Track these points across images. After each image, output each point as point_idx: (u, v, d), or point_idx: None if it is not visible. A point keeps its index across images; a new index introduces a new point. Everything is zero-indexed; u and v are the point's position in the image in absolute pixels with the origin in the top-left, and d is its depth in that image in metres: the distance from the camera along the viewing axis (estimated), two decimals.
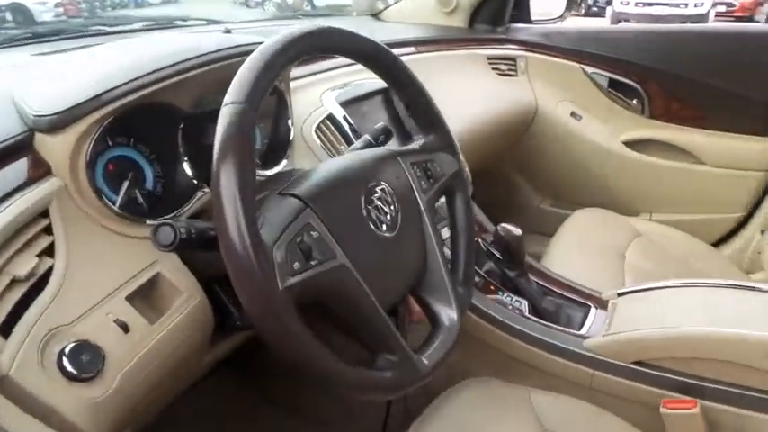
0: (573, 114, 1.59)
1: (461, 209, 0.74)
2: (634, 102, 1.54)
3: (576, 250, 1.30)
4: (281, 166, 0.79)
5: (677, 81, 1.48)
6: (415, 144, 0.72)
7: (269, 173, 0.76)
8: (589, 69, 1.55)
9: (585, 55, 1.55)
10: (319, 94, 0.96)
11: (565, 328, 0.92)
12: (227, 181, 0.44)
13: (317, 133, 0.88)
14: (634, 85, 1.52)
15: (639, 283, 1.01)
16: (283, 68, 0.54)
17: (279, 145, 0.81)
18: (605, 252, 1.30)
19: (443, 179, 0.71)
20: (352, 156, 0.66)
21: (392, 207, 0.61)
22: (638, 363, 0.85)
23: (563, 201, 1.66)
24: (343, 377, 0.50)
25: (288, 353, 0.46)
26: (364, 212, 0.58)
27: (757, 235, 1.41)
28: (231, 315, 0.64)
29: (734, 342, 0.79)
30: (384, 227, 0.59)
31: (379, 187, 0.61)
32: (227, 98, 0.48)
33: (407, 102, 0.72)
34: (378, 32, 1.37)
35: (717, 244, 1.50)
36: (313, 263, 0.49)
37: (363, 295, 0.54)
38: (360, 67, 0.67)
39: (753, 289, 0.92)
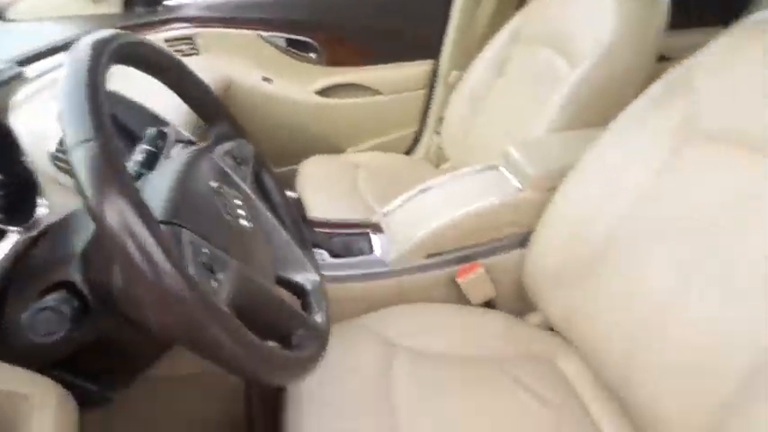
0: (264, 79, 1.66)
1: (272, 184, 0.74)
2: (311, 55, 1.69)
3: (322, 195, 1.41)
4: (37, 215, 0.63)
5: (341, 29, 1.68)
6: (212, 136, 0.69)
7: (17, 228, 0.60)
8: (265, 34, 1.63)
9: (257, 21, 1.61)
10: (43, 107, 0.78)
11: (364, 257, 1.03)
12: (121, 216, 0.36)
13: (56, 163, 0.72)
14: (308, 40, 1.67)
15: (392, 202, 1.18)
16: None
17: (21, 192, 0.64)
18: (344, 189, 1.46)
19: (251, 162, 0.70)
20: (173, 165, 0.58)
21: (237, 200, 0.59)
22: (430, 255, 1.02)
23: (284, 159, 1.75)
24: (294, 367, 0.49)
25: (246, 363, 0.42)
26: (225, 215, 0.54)
27: (435, 137, 1.76)
28: (88, 391, 0.52)
29: (486, 212, 1.02)
30: (244, 221, 0.57)
31: (218, 185, 0.57)
32: (71, 139, 0.39)
33: (188, 97, 0.67)
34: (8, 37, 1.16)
35: (408, 153, 1.83)
36: (221, 277, 0.45)
37: (265, 290, 0.52)
38: None
39: (463, 175, 1.17)
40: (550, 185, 0.97)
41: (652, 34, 1.13)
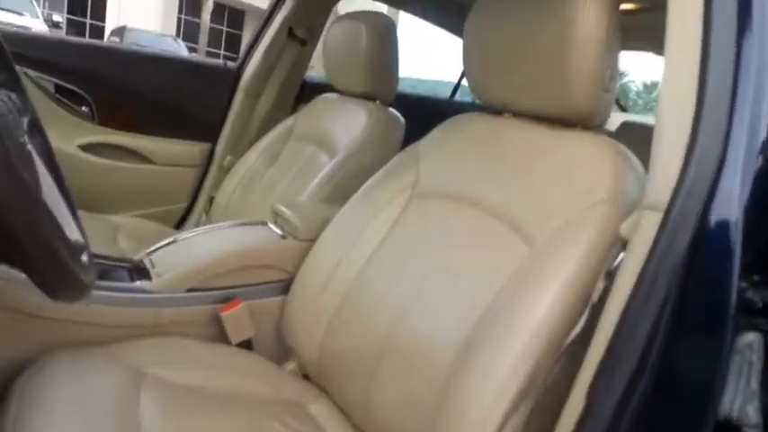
0: None
1: (46, 145, 0.72)
2: (83, 108, 1.64)
3: None
4: None
5: (124, 95, 1.69)
6: None
7: None
8: (33, 73, 1.54)
9: (27, 58, 1.53)
10: None
11: (122, 283, 1.00)
12: None
13: None
14: (82, 93, 1.63)
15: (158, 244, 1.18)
16: None
17: None
18: (102, 243, 1.39)
19: (28, 116, 0.68)
20: None
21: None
22: (191, 290, 1.04)
23: None
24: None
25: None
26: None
27: (204, 216, 1.81)
28: None
29: (249, 253, 1.11)
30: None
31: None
32: None
33: None
34: None
35: (176, 228, 1.82)
36: None
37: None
38: None
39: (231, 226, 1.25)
40: (312, 236, 1.12)
41: (395, 137, 1.47)
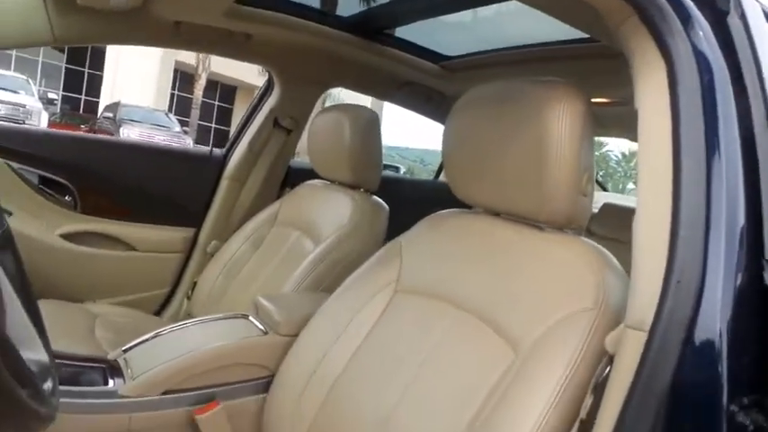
0: (3, 210, 1.52)
1: (16, 263, 0.70)
2: (66, 198, 1.64)
3: (54, 334, 1.27)
4: None
5: (108, 183, 1.70)
6: None
7: None
8: (16, 165, 1.55)
9: (11, 151, 1.54)
10: None
11: (94, 387, 0.95)
12: None
13: None
14: (65, 183, 1.63)
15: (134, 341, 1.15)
16: None
17: None
18: (80, 334, 1.34)
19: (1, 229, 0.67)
20: None
21: None
22: (166, 392, 0.99)
23: None
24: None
25: None
26: None
27: (185, 301, 1.77)
28: None
29: (229, 351, 1.07)
30: None
31: None
32: None
33: None
34: None
35: (157, 314, 1.77)
36: None
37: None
38: None
39: (211, 320, 1.23)
40: (294, 331, 1.10)
41: (378, 226, 1.47)
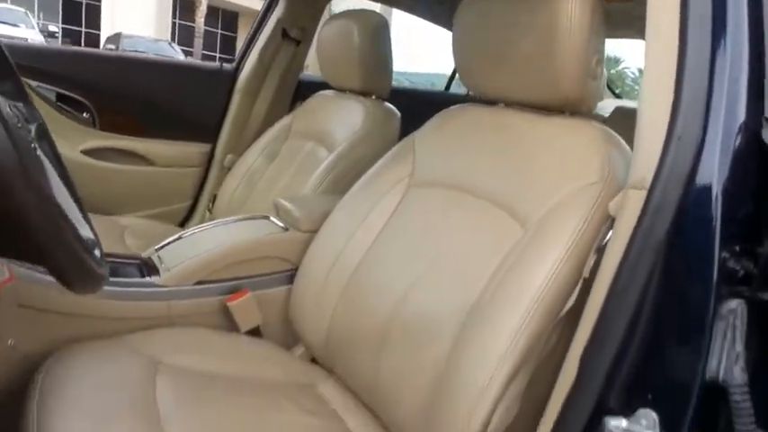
0: None
1: (54, 151, 0.75)
2: (84, 115, 1.68)
3: None
4: None
5: (124, 100, 1.73)
6: None
7: None
8: (33, 83, 1.57)
9: (27, 68, 1.56)
10: None
11: (135, 279, 1.03)
12: None
13: None
14: (81, 99, 1.66)
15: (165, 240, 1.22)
16: None
17: None
18: (110, 243, 1.42)
19: (36, 124, 0.71)
20: None
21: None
22: (200, 282, 1.07)
23: None
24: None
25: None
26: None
27: (207, 213, 1.84)
28: None
29: (254, 245, 1.14)
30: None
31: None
32: None
33: None
34: None
35: (182, 225, 1.85)
36: None
37: None
38: None
39: (234, 221, 1.29)
40: (314, 227, 1.16)
41: (391, 131, 1.50)
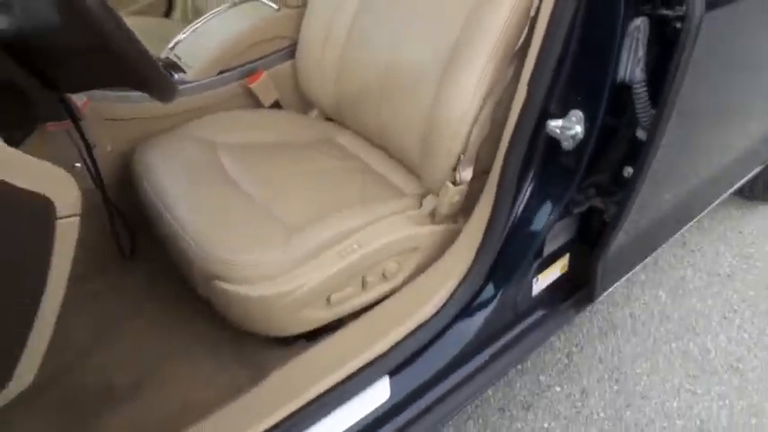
0: None
1: None
2: None
3: None
4: None
5: None
6: None
7: None
8: None
9: None
10: None
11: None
12: None
13: None
14: None
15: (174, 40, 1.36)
16: None
17: None
18: None
19: None
20: None
21: None
22: (221, 72, 1.27)
23: None
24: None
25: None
26: None
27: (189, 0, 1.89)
28: None
29: (255, 30, 1.29)
30: None
31: None
32: None
33: None
34: None
35: (166, 15, 1.92)
36: None
37: None
38: None
39: (226, 9, 1.41)
40: (301, 1, 1.28)
41: None
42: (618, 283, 1.19)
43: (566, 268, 1.10)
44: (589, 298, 1.08)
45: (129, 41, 0.70)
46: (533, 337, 1.08)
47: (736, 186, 1.41)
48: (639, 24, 0.81)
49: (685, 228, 1.34)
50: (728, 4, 0.85)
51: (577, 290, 1.12)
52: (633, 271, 1.21)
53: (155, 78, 0.76)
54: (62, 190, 0.55)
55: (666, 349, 1.43)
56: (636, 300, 1.56)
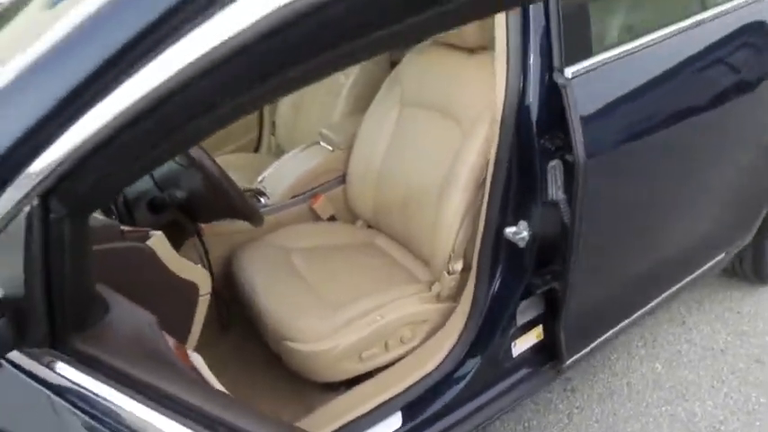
0: None
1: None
2: None
3: None
4: None
5: None
6: None
7: None
8: None
9: None
10: None
11: (258, 204, 1.77)
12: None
13: None
14: None
15: (263, 174, 1.92)
16: None
17: None
18: None
19: None
20: None
21: None
22: (293, 197, 1.80)
23: None
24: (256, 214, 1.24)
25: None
26: None
27: (271, 137, 2.51)
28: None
29: (317, 166, 1.83)
30: None
31: None
32: None
33: None
34: None
35: (256, 151, 2.55)
36: None
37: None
38: None
39: (298, 152, 1.97)
40: (349, 144, 1.81)
41: (384, 58, 2.05)
42: (603, 352, 1.49)
43: (542, 336, 1.44)
44: (559, 360, 1.42)
45: (240, 198, 1.22)
46: (519, 390, 1.42)
47: (697, 273, 1.69)
48: (555, 164, 1.23)
49: (652, 305, 1.62)
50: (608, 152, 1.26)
51: (556, 356, 1.45)
52: (600, 340, 1.52)
53: (251, 214, 1.27)
54: (202, 279, 1.03)
55: (657, 412, 1.68)
56: (634, 371, 1.82)
